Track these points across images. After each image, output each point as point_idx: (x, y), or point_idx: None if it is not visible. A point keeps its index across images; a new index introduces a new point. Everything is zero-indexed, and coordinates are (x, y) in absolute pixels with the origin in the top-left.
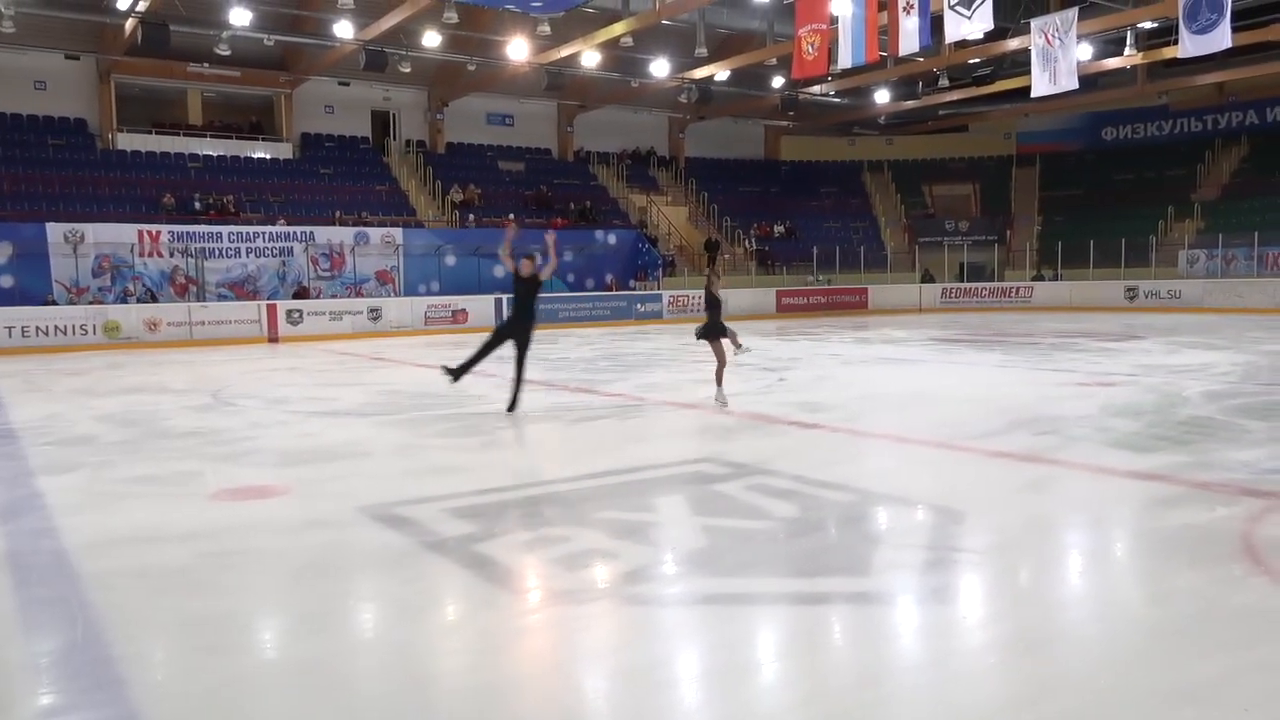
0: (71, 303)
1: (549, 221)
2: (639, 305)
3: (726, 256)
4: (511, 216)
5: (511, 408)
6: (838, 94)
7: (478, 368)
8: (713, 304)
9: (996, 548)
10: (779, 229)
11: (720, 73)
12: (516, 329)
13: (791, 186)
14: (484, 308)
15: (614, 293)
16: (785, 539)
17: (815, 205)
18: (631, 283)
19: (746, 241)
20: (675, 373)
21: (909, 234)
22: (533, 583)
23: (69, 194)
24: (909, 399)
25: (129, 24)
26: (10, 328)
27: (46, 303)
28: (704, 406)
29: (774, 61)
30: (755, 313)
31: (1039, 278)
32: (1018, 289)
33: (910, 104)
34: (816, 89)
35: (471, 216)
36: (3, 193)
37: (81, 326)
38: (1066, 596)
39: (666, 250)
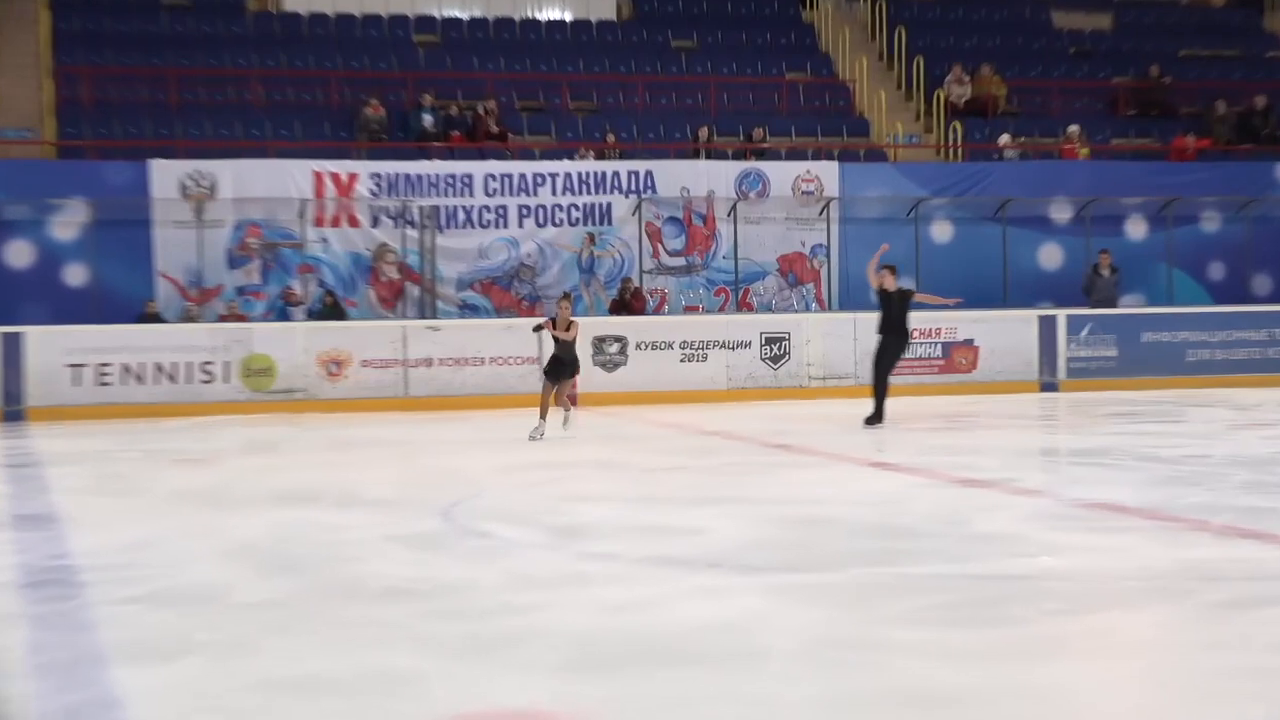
0: (190, 318)
1: (1167, 147)
2: None
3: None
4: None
5: (874, 419)
6: None
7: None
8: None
9: None
10: None
11: None
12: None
13: None
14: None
15: None
16: None
17: None
18: None
19: None
20: None
21: None
22: None
23: (191, 102)
24: None
25: None
26: (78, 366)
27: (145, 316)
28: None
29: None
30: None
31: None
32: None
33: None
34: None
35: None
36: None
37: (205, 367)
38: None
39: None
